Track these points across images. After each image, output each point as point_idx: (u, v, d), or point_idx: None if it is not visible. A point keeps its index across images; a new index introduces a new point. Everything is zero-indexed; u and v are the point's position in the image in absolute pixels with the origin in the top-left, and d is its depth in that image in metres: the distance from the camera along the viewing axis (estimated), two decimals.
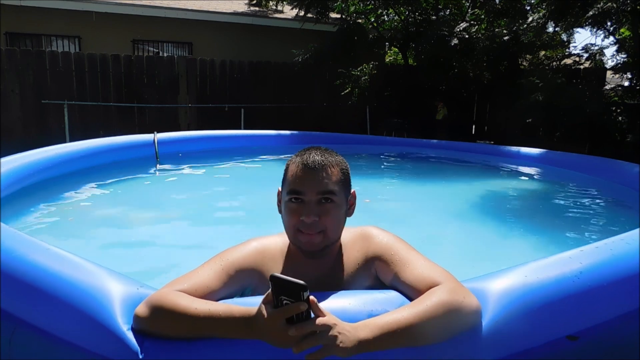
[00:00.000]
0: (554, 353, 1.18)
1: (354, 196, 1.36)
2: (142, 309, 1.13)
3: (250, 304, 1.05)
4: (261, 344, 1.01)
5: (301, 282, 0.94)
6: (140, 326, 1.13)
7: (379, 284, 1.29)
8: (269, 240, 1.36)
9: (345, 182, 1.30)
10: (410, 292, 1.18)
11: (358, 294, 1.21)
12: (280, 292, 0.95)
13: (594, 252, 1.33)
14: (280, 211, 1.33)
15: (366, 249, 1.32)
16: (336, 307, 1.12)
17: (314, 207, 1.23)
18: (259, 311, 0.99)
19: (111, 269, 1.34)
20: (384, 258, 1.27)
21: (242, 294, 1.27)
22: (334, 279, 1.31)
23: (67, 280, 1.25)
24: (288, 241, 1.33)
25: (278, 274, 0.95)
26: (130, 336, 1.12)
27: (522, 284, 1.22)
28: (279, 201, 1.33)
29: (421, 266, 1.20)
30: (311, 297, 0.95)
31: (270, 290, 0.97)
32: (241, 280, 1.25)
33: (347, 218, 1.34)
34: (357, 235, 1.36)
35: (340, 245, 1.35)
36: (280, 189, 1.33)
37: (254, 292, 1.29)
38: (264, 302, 0.99)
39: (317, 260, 1.30)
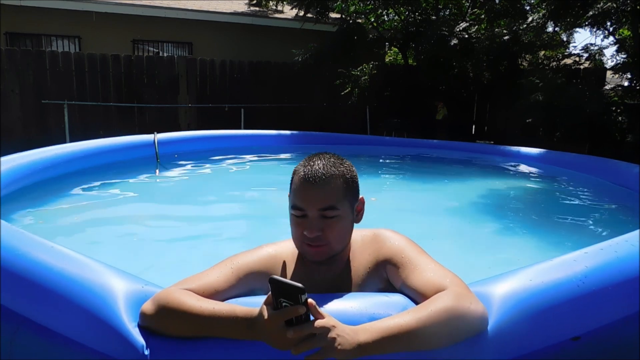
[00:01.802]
0: (554, 353, 1.17)
1: (362, 202, 1.33)
2: (148, 306, 1.14)
3: (254, 304, 1.05)
4: (264, 345, 1.01)
5: (299, 284, 0.94)
6: (146, 323, 1.14)
7: (390, 288, 1.27)
8: (280, 246, 1.36)
9: (351, 191, 1.28)
10: (417, 297, 1.16)
11: (361, 296, 1.20)
12: (279, 295, 0.96)
13: (598, 253, 1.32)
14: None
15: (377, 252, 1.31)
16: (338, 309, 1.12)
17: (316, 222, 1.22)
18: (260, 312, 1.00)
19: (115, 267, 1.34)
20: (394, 261, 1.26)
21: None
22: (345, 283, 1.30)
23: (72, 278, 1.24)
24: None
25: (276, 277, 0.96)
26: (135, 334, 1.12)
27: (526, 287, 1.21)
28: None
29: (430, 270, 1.19)
30: (309, 300, 0.96)
31: (270, 292, 0.98)
32: (251, 283, 1.25)
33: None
34: (369, 238, 1.35)
35: (351, 249, 1.34)
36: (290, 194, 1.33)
37: None
38: (265, 303, 1.00)
39: (327, 265, 1.29)
